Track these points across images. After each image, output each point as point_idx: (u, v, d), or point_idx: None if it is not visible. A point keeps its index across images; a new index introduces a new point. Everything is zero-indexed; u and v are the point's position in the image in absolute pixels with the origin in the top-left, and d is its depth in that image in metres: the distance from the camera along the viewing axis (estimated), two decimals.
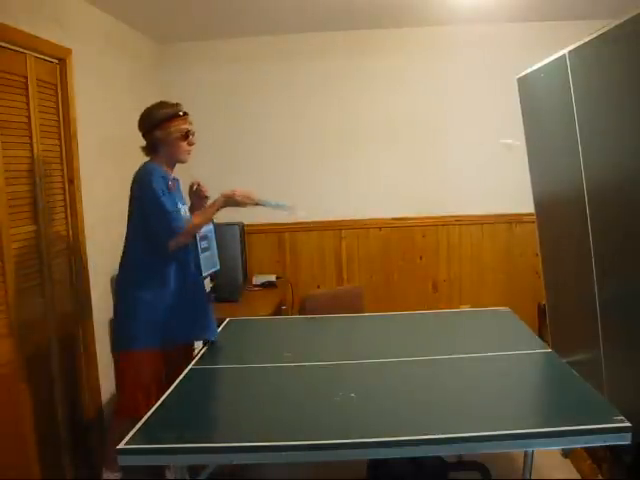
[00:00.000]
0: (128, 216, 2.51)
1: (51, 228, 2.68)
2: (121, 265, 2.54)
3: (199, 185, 2.65)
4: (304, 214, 2.71)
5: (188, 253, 2.54)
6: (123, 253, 2.53)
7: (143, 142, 2.52)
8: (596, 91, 2.28)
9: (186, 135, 2.50)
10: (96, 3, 3.13)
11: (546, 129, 2.86)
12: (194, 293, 2.56)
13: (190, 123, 2.53)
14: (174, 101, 2.54)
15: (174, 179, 2.56)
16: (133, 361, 2.44)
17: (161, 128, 2.45)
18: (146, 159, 2.53)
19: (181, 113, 2.50)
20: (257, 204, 2.51)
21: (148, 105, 2.53)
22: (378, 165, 4.27)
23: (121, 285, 2.55)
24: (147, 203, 2.40)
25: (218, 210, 2.50)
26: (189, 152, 2.54)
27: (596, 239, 2.37)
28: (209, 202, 2.58)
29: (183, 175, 2.69)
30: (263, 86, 4.24)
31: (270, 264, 4.33)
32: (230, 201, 2.48)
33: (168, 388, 2.11)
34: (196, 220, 2.50)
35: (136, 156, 2.53)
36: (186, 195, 2.67)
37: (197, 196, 2.65)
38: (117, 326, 2.58)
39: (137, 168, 2.48)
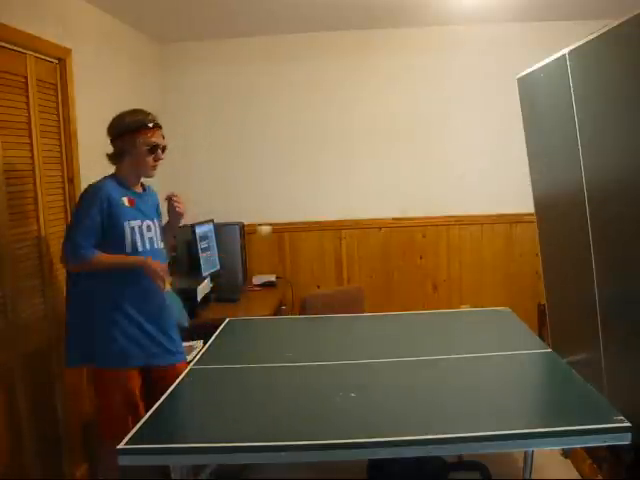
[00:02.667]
0: None
1: (51, 228, 2.67)
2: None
3: (172, 198, 2.45)
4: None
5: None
6: None
7: None
8: (596, 91, 2.28)
9: (153, 149, 2.30)
10: (96, 3, 3.13)
11: (546, 129, 2.86)
12: (156, 317, 2.35)
13: (162, 137, 2.34)
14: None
15: (140, 193, 2.39)
16: (104, 380, 2.31)
17: (127, 137, 2.27)
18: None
19: (150, 125, 2.29)
20: (165, 288, 2.34)
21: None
22: (378, 165, 4.27)
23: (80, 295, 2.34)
24: (72, 216, 2.33)
25: (133, 266, 2.25)
26: (154, 167, 2.35)
27: (596, 239, 2.37)
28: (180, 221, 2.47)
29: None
30: (263, 86, 4.25)
31: (270, 264, 4.33)
32: (148, 268, 2.25)
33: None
34: (107, 260, 2.24)
35: None
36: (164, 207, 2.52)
37: (171, 211, 2.47)
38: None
39: None
